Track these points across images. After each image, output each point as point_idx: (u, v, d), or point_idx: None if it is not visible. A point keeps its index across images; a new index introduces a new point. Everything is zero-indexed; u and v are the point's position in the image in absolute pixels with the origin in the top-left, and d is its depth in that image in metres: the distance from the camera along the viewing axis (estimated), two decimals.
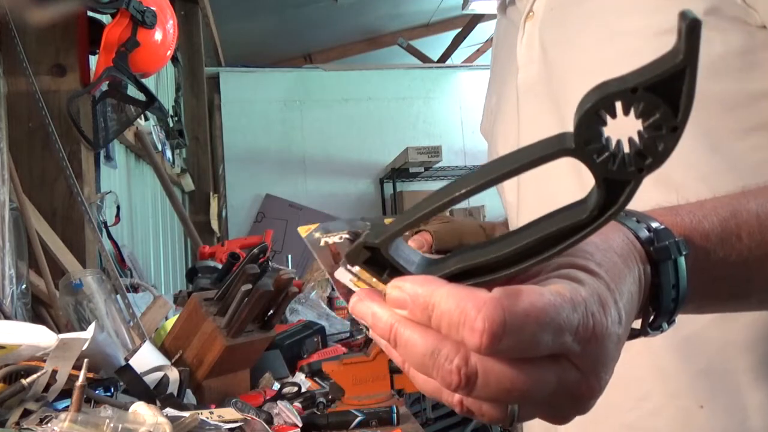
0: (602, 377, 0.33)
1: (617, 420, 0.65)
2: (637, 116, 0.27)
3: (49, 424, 0.74)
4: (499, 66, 0.85)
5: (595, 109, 0.27)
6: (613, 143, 0.28)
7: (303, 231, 0.61)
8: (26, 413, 0.80)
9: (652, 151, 0.28)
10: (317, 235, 0.60)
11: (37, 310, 1.44)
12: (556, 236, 0.31)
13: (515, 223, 0.79)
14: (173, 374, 1.12)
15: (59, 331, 1.30)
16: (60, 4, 1.57)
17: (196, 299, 1.31)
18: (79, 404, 0.75)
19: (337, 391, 1.39)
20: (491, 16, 4.72)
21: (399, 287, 0.32)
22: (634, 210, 0.42)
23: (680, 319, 0.47)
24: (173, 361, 1.21)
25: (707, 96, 0.59)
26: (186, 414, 0.86)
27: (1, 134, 1.41)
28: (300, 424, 1.16)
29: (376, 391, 1.46)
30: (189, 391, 1.18)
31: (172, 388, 1.10)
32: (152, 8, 1.60)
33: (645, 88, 0.27)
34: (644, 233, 0.39)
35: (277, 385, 1.40)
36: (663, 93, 0.27)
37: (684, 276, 0.39)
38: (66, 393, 0.86)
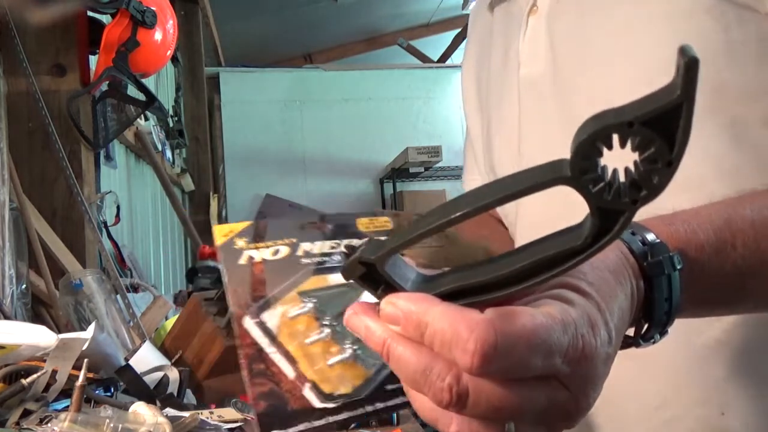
0: (590, 395, 0.33)
1: (633, 431, 0.64)
2: (633, 149, 0.28)
3: (49, 424, 0.74)
4: (485, 64, 0.82)
5: (592, 140, 0.28)
6: (609, 173, 0.29)
7: (220, 233, 0.49)
8: (26, 413, 0.80)
9: (647, 183, 0.28)
10: (240, 244, 0.49)
11: (37, 310, 1.44)
12: (551, 260, 0.31)
13: (513, 231, 0.77)
14: (173, 374, 1.12)
15: (59, 331, 1.29)
16: (60, 4, 1.57)
17: (196, 299, 1.31)
18: (79, 404, 0.75)
19: None
20: None
21: (393, 303, 0.32)
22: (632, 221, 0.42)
23: (698, 326, 0.47)
24: (173, 361, 1.21)
25: (728, 85, 0.57)
26: (186, 414, 0.86)
27: (1, 134, 1.41)
28: None
29: None
30: (189, 391, 1.18)
31: (172, 388, 1.10)
32: (152, 8, 1.60)
33: (641, 123, 0.27)
34: (639, 247, 0.40)
35: None
36: (659, 128, 0.27)
37: (677, 290, 0.40)
38: (66, 393, 0.86)
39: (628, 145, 0.27)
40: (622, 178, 0.29)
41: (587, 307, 0.33)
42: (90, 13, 1.69)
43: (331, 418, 0.48)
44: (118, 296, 1.53)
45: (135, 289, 1.97)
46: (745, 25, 0.57)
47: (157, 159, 2.78)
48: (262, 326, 0.48)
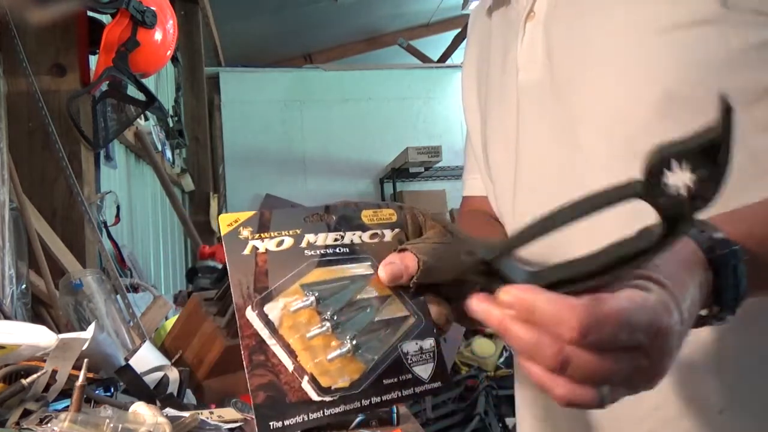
0: (666, 363, 0.41)
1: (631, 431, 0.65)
2: (689, 172, 0.36)
3: (49, 424, 0.74)
4: (484, 67, 0.83)
5: (658, 167, 0.36)
6: (672, 190, 0.36)
7: (225, 222, 0.50)
8: (26, 413, 0.80)
9: (701, 198, 0.36)
10: (245, 234, 0.50)
11: (37, 310, 1.44)
12: (627, 257, 0.40)
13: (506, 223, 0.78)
14: (173, 374, 1.12)
15: (59, 331, 1.29)
16: (60, 4, 1.57)
17: (196, 299, 1.31)
18: (79, 404, 0.75)
19: None
20: None
21: (508, 292, 0.41)
22: (698, 219, 0.48)
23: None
24: (173, 361, 1.21)
25: (728, 91, 0.58)
26: (186, 414, 0.86)
27: (1, 134, 1.41)
28: None
29: None
30: (189, 391, 1.17)
31: (172, 388, 1.10)
32: (152, 8, 1.60)
33: (693, 153, 0.35)
34: (706, 243, 0.47)
35: None
36: (707, 156, 0.35)
37: (743, 278, 0.47)
38: (66, 393, 0.86)
39: (686, 168, 0.36)
40: (683, 193, 0.36)
41: (662, 295, 0.41)
42: (90, 13, 1.69)
43: (328, 411, 0.48)
44: (118, 296, 1.53)
45: (135, 289, 1.97)
46: (746, 33, 0.58)
47: (157, 159, 2.78)
48: (264, 318, 0.48)
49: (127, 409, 0.79)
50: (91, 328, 0.95)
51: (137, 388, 1.01)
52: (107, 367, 1.03)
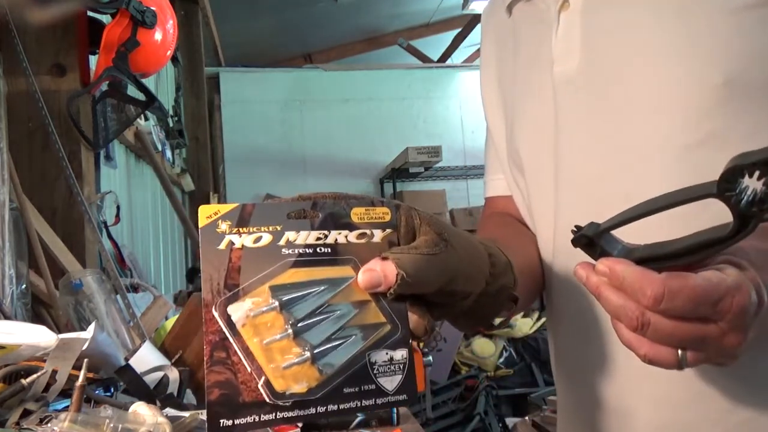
0: (741, 338, 0.47)
1: None
2: (758, 179, 0.42)
3: (49, 424, 0.74)
4: (507, 64, 0.80)
5: (731, 171, 0.43)
6: (745, 192, 0.43)
7: (204, 214, 0.48)
8: (26, 413, 0.80)
9: None
10: (223, 227, 0.48)
11: (37, 310, 1.44)
12: (706, 243, 0.47)
13: (549, 247, 0.75)
14: (173, 374, 1.12)
15: (59, 331, 1.29)
16: (60, 4, 1.57)
17: (196, 299, 1.31)
18: (79, 404, 0.75)
19: None
20: None
21: (604, 263, 0.48)
22: None
23: None
24: (173, 361, 1.21)
25: None
26: (186, 414, 0.86)
27: (1, 134, 1.41)
28: (300, 424, 1.16)
29: None
30: (189, 391, 1.18)
31: (172, 388, 1.10)
32: (152, 8, 1.60)
33: (763, 163, 0.41)
34: None
35: None
36: None
37: None
38: (66, 393, 0.86)
39: (759, 175, 0.42)
40: (755, 196, 0.43)
41: (740, 278, 0.46)
42: (90, 13, 1.69)
43: (281, 414, 0.48)
44: (118, 296, 1.53)
45: (135, 289, 1.97)
46: None
47: (157, 159, 2.78)
48: (227, 319, 0.48)
49: (127, 409, 0.79)
50: (91, 328, 0.95)
51: (137, 388, 1.01)
52: (107, 367, 1.03)
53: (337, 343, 0.50)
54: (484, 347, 3.77)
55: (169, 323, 1.52)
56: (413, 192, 4.97)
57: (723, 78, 0.58)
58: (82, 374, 0.77)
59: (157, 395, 1.02)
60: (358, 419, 1.19)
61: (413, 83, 5.24)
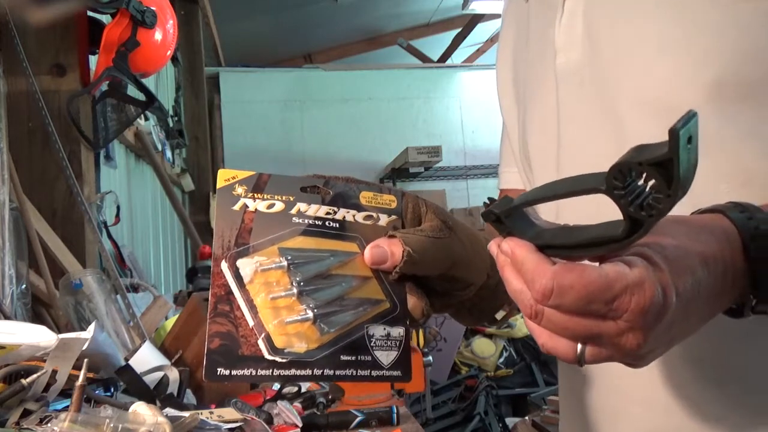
0: (640, 339, 0.43)
1: None
2: (644, 181, 0.37)
3: (49, 424, 0.74)
4: (521, 53, 0.78)
5: (618, 169, 0.38)
6: (634, 192, 0.38)
7: (223, 177, 0.51)
8: (26, 413, 0.80)
9: (656, 206, 0.38)
10: (239, 191, 0.52)
11: (37, 310, 1.44)
12: (600, 241, 0.43)
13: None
14: (173, 374, 1.12)
15: (59, 331, 1.29)
16: (60, 4, 1.57)
17: (196, 299, 1.31)
18: (79, 404, 0.75)
19: (337, 391, 1.39)
20: (491, 16, 4.71)
21: (508, 244, 0.46)
22: (751, 206, 0.48)
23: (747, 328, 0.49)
24: (173, 361, 1.21)
25: None
26: (186, 414, 0.86)
27: (1, 134, 1.41)
28: (300, 424, 1.16)
29: (376, 391, 1.46)
30: (189, 391, 1.18)
31: (172, 388, 1.10)
32: (152, 8, 1.60)
33: (648, 164, 0.37)
34: (748, 232, 0.46)
35: (277, 385, 1.40)
36: (661, 169, 0.36)
37: None
38: (66, 393, 0.86)
39: (646, 177, 0.37)
40: (645, 198, 0.38)
41: (645, 274, 0.42)
42: (90, 13, 1.69)
43: (277, 371, 0.49)
44: (118, 296, 1.53)
45: (135, 289, 1.97)
46: None
47: (157, 159, 2.78)
48: (235, 272, 0.50)
49: (127, 409, 0.79)
50: (91, 328, 0.95)
51: (137, 388, 1.01)
52: (107, 367, 1.03)
53: (338, 308, 0.52)
54: (484, 347, 3.77)
55: (169, 323, 1.52)
56: (413, 192, 4.96)
57: (714, 77, 0.56)
58: (82, 374, 0.77)
59: (157, 395, 1.03)
60: (358, 419, 1.19)
61: (413, 83, 5.24)
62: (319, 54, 5.70)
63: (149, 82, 1.91)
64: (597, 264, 0.43)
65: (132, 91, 1.75)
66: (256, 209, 0.51)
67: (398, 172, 4.75)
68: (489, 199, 0.49)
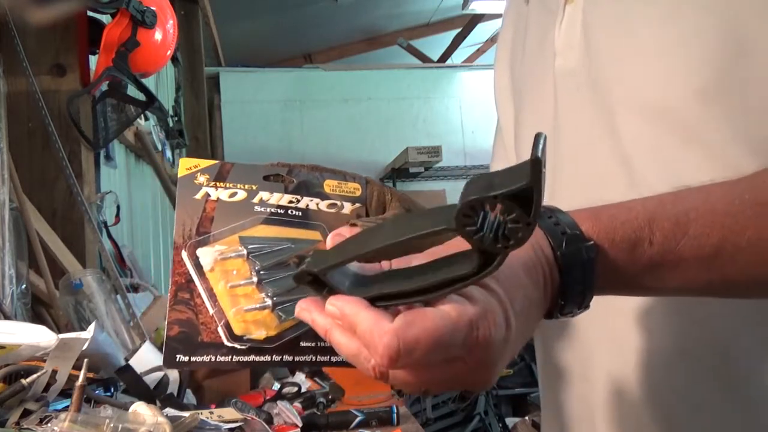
0: (490, 370, 0.42)
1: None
2: (500, 213, 0.36)
3: (49, 424, 0.74)
4: (518, 54, 0.79)
5: (470, 205, 0.36)
6: (486, 226, 0.37)
7: (184, 165, 0.51)
8: (26, 413, 0.80)
9: (514, 237, 0.37)
10: (201, 180, 0.52)
11: (37, 310, 1.44)
12: (448, 281, 0.40)
13: None
14: (173, 374, 1.12)
15: (59, 331, 1.29)
16: (60, 4, 1.57)
17: None
18: (79, 404, 0.75)
19: (337, 391, 1.39)
20: (491, 16, 4.71)
21: (333, 304, 0.42)
22: (558, 210, 0.47)
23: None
24: None
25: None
26: (186, 414, 0.86)
27: (1, 134, 1.41)
28: (300, 424, 1.16)
29: (376, 391, 1.46)
30: (189, 391, 1.18)
31: (172, 388, 1.10)
32: (152, 8, 1.60)
33: (504, 197, 0.36)
34: (557, 237, 0.46)
35: (277, 385, 1.40)
36: (519, 198, 0.35)
37: (590, 276, 0.45)
38: (66, 393, 0.86)
39: (500, 209, 0.36)
40: (502, 229, 0.37)
41: (486, 302, 0.40)
42: (90, 13, 1.69)
43: (237, 358, 0.50)
44: (118, 296, 1.53)
45: (135, 289, 1.97)
46: None
47: (157, 159, 2.78)
48: (195, 260, 0.51)
49: (127, 409, 0.79)
50: (91, 328, 0.95)
51: (137, 388, 1.01)
52: (107, 367, 1.03)
53: (298, 296, 0.52)
54: None
55: None
56: (413, 192, 4.97)
57: (706, 80, 0.56)
58: (82, 374, 0.77)
59: (157, 395, 1.03)
60: (358, 419, 1.19)
61: (413, 83, 5.24)
62: (319, 54, 5.69)
63: (149, 82, 1.91)
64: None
65: (132, 91, 1.75)
66: (218, 198, 0.51)
67: (398, 172, 4.75)
68: (298, 257, 0.46)
